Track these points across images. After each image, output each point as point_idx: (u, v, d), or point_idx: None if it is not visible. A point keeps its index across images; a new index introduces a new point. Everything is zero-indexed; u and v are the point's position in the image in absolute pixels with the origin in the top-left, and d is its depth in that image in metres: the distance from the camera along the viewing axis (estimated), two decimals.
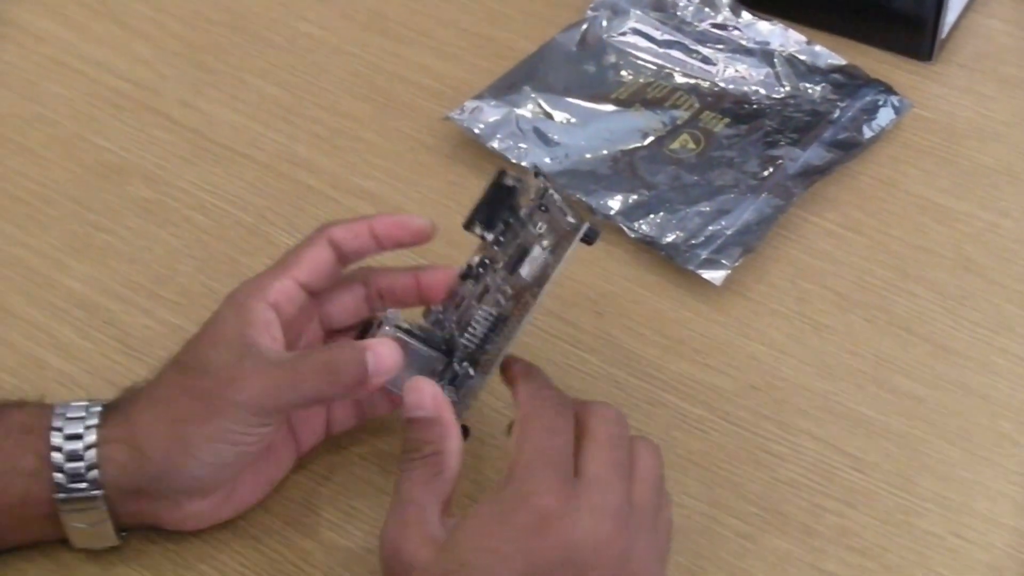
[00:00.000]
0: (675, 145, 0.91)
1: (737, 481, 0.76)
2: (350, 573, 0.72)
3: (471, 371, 0.70)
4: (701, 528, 0.73)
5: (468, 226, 0.71)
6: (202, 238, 0.87)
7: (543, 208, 0.69)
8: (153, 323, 0.82)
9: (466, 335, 0.71)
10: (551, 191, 0.69)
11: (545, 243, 0.69)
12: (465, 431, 0.68)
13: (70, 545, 0.71)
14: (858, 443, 0.77)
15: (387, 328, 0.70)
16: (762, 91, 0.95)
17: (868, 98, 0.94)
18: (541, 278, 0.68)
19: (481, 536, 0.62)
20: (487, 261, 0.72)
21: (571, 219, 0.68)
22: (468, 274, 0.72)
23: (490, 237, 0.71)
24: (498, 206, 0.71)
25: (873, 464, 0.76)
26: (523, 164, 0.88)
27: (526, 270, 0.69)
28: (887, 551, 0.73)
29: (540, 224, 0.69)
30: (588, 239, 0.67)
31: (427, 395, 0.67)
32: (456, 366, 0.71)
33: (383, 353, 0.68)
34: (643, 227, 0.86)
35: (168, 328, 0.81)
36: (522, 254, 0.70)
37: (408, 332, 0.71)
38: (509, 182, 0.71)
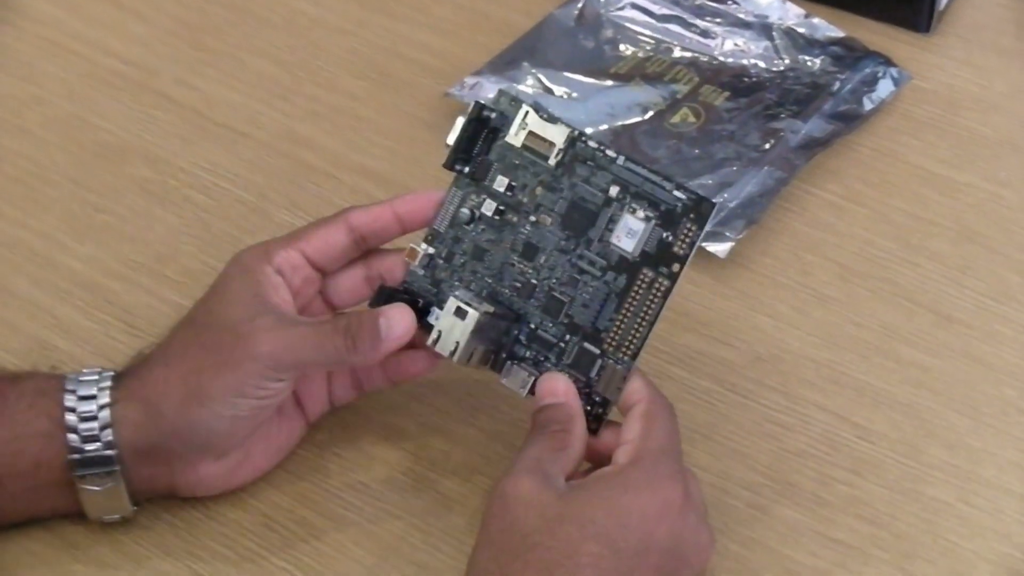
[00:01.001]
0: (675, 119, 0.91)
1: (745, 452, 0.76)
2: (361, 549, 0.73)
3: (592, 348, 0.70)
4: (711, 500, 0.73)
5: (451, 165, 0.73)
6: (203, 217, 0.87)
7: (590, 163, 0.71)
8: (156, 302, 0.82)
9: (572, 309, 0.71)
10: (597, 146, 0.71)
11: (641, 213, 0.70)
12: (598, 420, 0.70)
13: (84, 518, 0.71)
14: (864, 413, 0.78)
15: (472, 312, 0.69)
16: (761, 64, 0.95)
17: (867, 70, 0.94)
18: (666, 257, 0.69)
19: (606, 499, 0.64)
20: (503, 209, 0.72)
21: (679, 193, 0.69)
22: (473, 219, 0.73)
23: (467, 170, 0.73)
24: (476, 139, 0.73)
25: (880, 433, 0.77)
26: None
27: (626, 243, 0.70)
28: (896, 519, 0.74)
29: (612, 188, 0.70)
30: None
31: (560, 387, 0.69)
32: (552, 338, 0.71)
33: (396, 318, 0.69)
34: None
35: (171, 307, 0.81)
36: (590, 216, 0.71)
37: (490, 315, 0.70)
38: (487, 114, 0.72)
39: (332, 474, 0.75)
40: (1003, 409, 0.78)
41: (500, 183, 0.72)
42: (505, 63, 0.94)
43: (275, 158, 0.90)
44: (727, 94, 0.93)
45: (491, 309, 0.70)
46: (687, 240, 0.69)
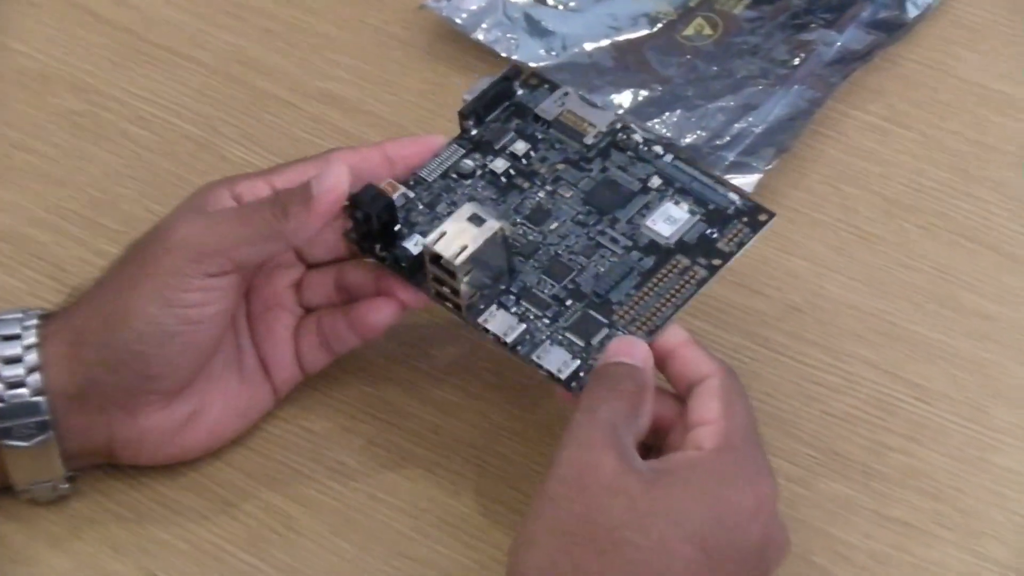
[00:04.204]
0: (689, 31, 0.91)
1: (784, 418, 0.76)
2: (340, 538, 0.73)
3: (599, 316, 0.70)
4: None
5: (466, 115, 0.75)
6: (143, 155, 0.87)
7: (630, 154, 0.74)
8: (91, 255, 0.82)
9: (580, 277, 0.71)
10: (642, 140, 0.74)
11: (685, 206, 0.72)
12: (580, 385, 0.70)
13: (11, 494, 0.72)
14: (920, 369, 0.77)
15: (491, 221, 0.69)
16: None
17: None
18: (707, 250, 0.71)
19: (701, 492, 0.64)
20: (514, 173, 0.74)
21: (734, 196, 0.72)
22: (474, 175, 0.74)
23: (474, 132, 0.75)
24: (496, 107, 0.76)
25: (939, 393, 0.77)
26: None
27: (662, 227, 0.72)
28: (961, 492, 0.74)
29: (653, 179, 0.73)
30: None
31: (640, 352, 0.68)
32: (550, 299, 0.71)
33: (327, 173, 0.70)
34: (657, 127, 0.85)
35: (109, 260, 0.79)
36: (621, 198, 0.73)
37: (505, 239, 0.71)
38: (516, 87, 0.76)
39: (303, 452, 0.76)
40: None
41: (519, 147, 0.75)
42: None
43: (225, 85, 0.90)
44: (748, 1, 0.92)
45: (510, 230, 0.71)
46: (735, 240, 0.71)
